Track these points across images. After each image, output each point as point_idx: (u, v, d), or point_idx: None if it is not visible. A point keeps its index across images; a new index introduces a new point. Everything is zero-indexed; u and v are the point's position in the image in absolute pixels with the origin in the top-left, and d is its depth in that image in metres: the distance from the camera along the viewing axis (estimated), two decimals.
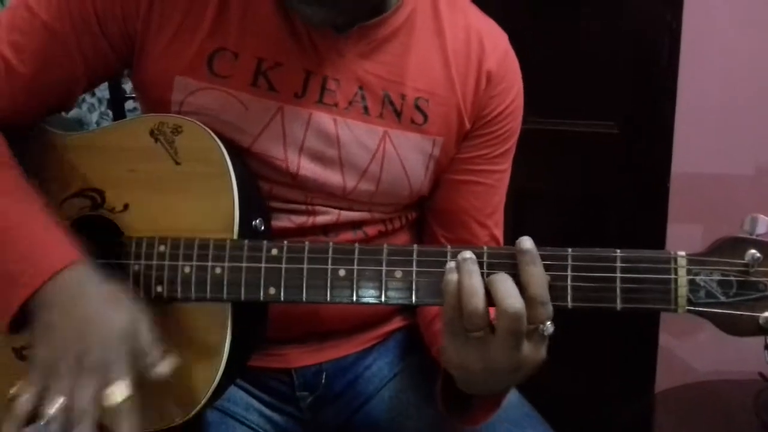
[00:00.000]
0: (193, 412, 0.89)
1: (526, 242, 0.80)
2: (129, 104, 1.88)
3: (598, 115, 2.00)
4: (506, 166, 1.11)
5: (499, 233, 1.13)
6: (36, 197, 0.91)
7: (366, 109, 1.00)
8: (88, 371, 0.79)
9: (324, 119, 0.99)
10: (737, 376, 1.89)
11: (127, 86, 1.83)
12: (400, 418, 1.09)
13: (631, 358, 2.09)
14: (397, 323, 1.16)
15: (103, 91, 2.08)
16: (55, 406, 0.78)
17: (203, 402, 0.89)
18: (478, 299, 0.78)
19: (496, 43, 1.06)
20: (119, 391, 0.79)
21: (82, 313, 0.83)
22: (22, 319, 0.85)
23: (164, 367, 0.84)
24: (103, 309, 0.83)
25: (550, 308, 0.79)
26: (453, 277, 0.80)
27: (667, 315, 1.98)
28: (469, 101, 1.04)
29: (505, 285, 0.79)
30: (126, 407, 0.79)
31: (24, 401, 0.80)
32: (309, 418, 1.11)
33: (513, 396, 1.06)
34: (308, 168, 0.99)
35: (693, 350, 2.03)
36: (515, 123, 1.09)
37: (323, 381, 1.10)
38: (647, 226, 1.98)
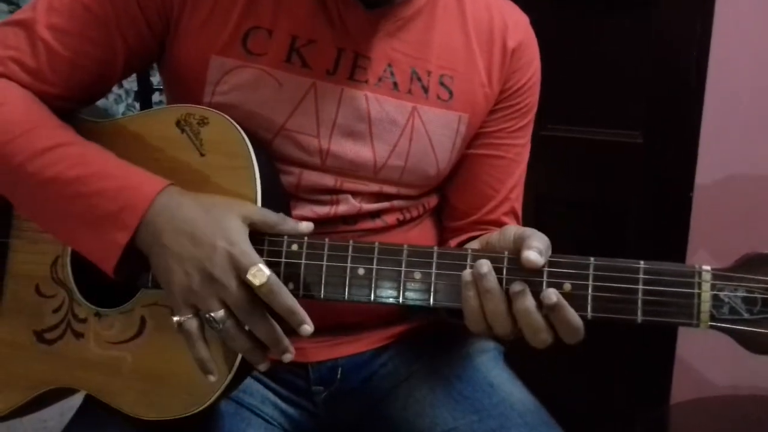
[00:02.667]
0: (209, 402, 0.89)
1: (552, 297, 0.81)
2: (155, 97, 1.89)
3: (622, 124, 1.98)
4: (526, 140, 1.15)
5: (518, 206, 1.16)
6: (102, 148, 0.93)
7: (395, 84, 1.03)
8: (220, 276, 0.83)
9: (356, 95, 1.01)
10: (755, 392, 1.87)
11: (154, 79, 1.84)
12: (413, 418, 1.09)
13: (647, 368, 2.07)
14: (414, 322, 1.16)
15: (130, 83, 2.10)
16: (216, 319, 0.83)
17: (219, 393, 0.89)
18: (503, 318, 0.83)
19: (517, 21, 1.11)
20: (259, 274, 0.82)
21: (189, 229, 0.85)
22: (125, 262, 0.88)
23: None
24: (203, 219, 0.86)
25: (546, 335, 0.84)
26: (471, 294, 0.84)
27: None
28: (495, 78, 1.08)
29: (531, 321, 0.83)
30: (275, 282, 0.83)
31: (189, 323, 0.85)
32: (323, 413, 1.11)
33: (529, 402, 1.06)
34: (340, 144, 1.01)
35: (710, 363, 2.01)
36: (534, 97, 1.14)
37: (338, 376, 1.10)
38: (668, 237, 1.96)
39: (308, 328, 0.85)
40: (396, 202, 1.08)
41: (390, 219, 1.08)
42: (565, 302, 0.81)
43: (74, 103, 1.00)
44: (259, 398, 1.09)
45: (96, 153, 0.92)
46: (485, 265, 0.82)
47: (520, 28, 1.10)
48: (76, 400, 1.03)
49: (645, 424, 1.79)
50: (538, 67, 1.13)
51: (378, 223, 1.07)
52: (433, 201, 1.14)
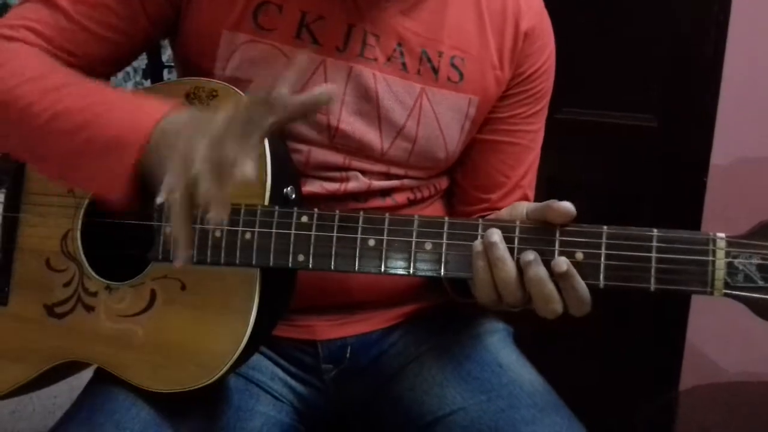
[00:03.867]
0: (218, 375, 0.89)
1: (563, 265, 0.81)
2: (165, 74, 1.89)
3: (637, 107, 1.97)
4: (539, 125, 1.14)
5: (531, 193, 1.15)
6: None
7: (404, 65, 1.02)
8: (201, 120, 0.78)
9: (364, 73, 1.00)
10: (765, 378, 1.86)
11: (164, 57, 1.84)
12: (423, 397, 1.08)
13: (657, 353, 2.06)
14: (424, 302, 1.16)
15: (139, 60, 2.10)
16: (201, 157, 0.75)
17: (228, 365, 0.89)
18: (513, 286, 0.82)
19: (530, 4, 1.09)
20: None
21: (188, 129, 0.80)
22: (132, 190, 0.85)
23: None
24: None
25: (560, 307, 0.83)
26: (482, 264, 0.83)
27: (696, 310, 2.00)
28: (503, 58, 1.06)
29: (542, 290, 0.82)
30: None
31: (173, 196, 0.77)
32: (332, 390, 1.11)
33: (539, 383, 1.06)
34: (348, 122, 1.01)
35: (721, 349, 2.00)
36: (548, 83, 1.12)
37: (348, 355, 1.10)
38: (682, 222, 1.96)
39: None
40: (406, 181, 1.07)
41: (400, 198, 1.08)
42: (574, 271, 0.80)
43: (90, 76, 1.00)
44: (268, 375, 1.09)
45: (102, 86, 0.92)
46: (495, 234, 0.82)
47: (533, 11, 1.08)
48: (85, 377, 1.03)
49: (653, 409, 1.79)
50: (553, 52, 1.12)
51: (388, 201, 1.07)
52: (444, 183, 1.14)
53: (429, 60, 1.03)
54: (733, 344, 1.95)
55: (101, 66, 1.00)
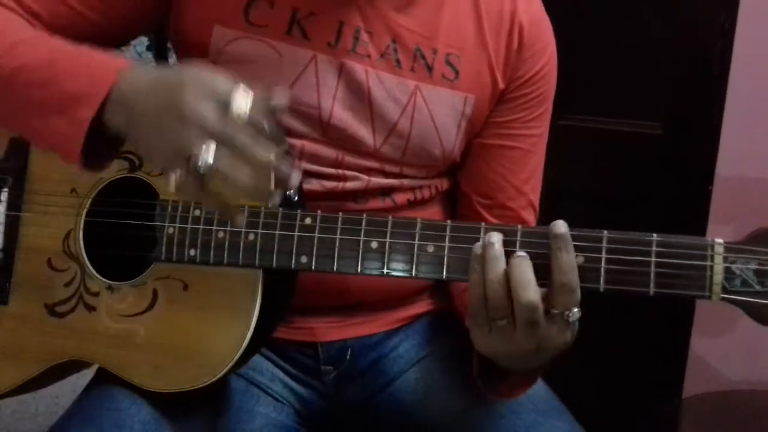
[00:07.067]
0: (219, 376, 0.90)
1: (561, 227, 0.80)
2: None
3: (641, 114, 1.97)
4: (542, 130, 1.12)
5: (535, 198, 1.13)
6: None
7: (398, 62, 1.01)
8: (194, 108, 0.73)
9: (356, 69, 1.00)
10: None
11: (171, 60, 1.85)
12: (424, 401, 1.09)
13: (660, 361, 2.06)
14: (425, 307, 1.16)
15: (143, 49, 2.11)
16: (207, 154, 0.71)
17: (229, 366, 0.90)
18: (499, 287, 0.79)
19: (529, 3, 1.07)
20: (242, 99, 0.73)
21: (155, 86, 0.79)
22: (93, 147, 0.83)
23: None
24: (176, 77, 0.79)
25: (577, 295, 0.79)
26: (477, 267, 0.81)
27: (700, 319, 1.99)
28: (501, 59, 1.05)
29: (522, 275, 0.79)
30: (259, 102, 0.74)
31: (186, 182, 0.73)
32: (332, 393, 1.11)
33: (542, 389, 1.06)
34: (340, 117, 1.01)
35: (724, 358, 2.00)
36: (549, 85, 1.10)
37: (348, 357, 1.10)
38: (686, 230, 1.95)
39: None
40: (406, 182, 1.07)
41: (400, 199, 1.07)
42: (569, 238, 0.79)
43: None
44: (268, 376, 1.09)
45: (65, 42, 0.90)
46: (495, 235, 0.81)
47: (531, 12, 1.07)
48: (87, 377, 1.03)
49: (656, 417, 1.79)
50: (553, 54, 1.10)
51: (388, 202, 1.06)
52: (445, 184, 1.13)
53: (423, 57, 1.02)
54: (736, 352, 1.95)
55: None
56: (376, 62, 1.01)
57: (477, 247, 0.82)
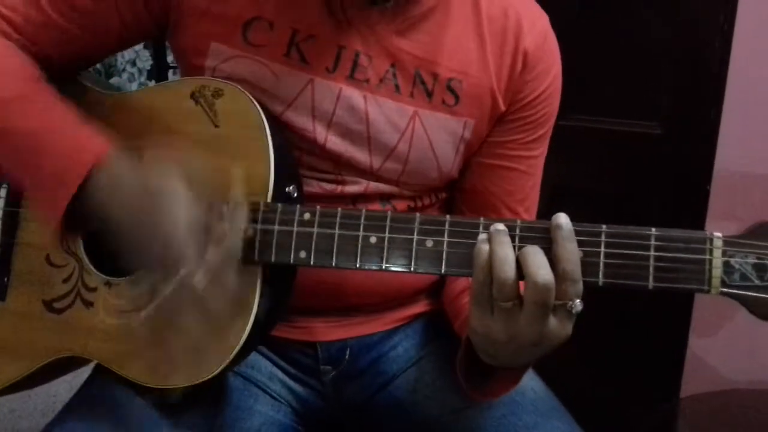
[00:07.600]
0: (217, 372, 0.89)
1: (562, 218, 0.80)
2: (170, 75, 1.90)
3: (641, 115, 1.97)
4: (540, 151, 1.09)
5: (529, 218, 1.11)
6: (62, 104, 0.93)
7: (397, 87, 1.00)
8: (182, 245, 0.83)
9: (354, 95, 0.99)
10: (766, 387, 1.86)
11: (170, 57, 1.85)
12: (423, 401, 1.08)
13: (659, 360, 2.06)
14: (423, 307, 1.16)
15: (144, 62, 2.11)
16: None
17: (227, 362, 0.89)
18: (509, 268, 0.78)
19: (534, 23, 1.04)
20: (220, 225, 0.85)
21: (138, 208, 0.86)
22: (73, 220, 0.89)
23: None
24: (152, 204, 0.86)
25: (580, 286, 0.79)
26: (485, 246, 0.80)
27: (699, 317, 1.99)
28: (503, 83, 1.02)
29: (536, 257, 0.78)
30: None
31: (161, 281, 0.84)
32: (331, 392, 1.11)
33: (540, 389, 1.06)
34: (336, 142, 1.00)
35: (723, 357, 2.00)
36: (552, 107, 1.07)
37: (347, 357, 1.10)
38: (685, 228, 1.95)
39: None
40: (405, 191, 1.06)
41: (400, 205, 1.06)
42: (571, 228, 0.80)
43: (61, 67, 1.00)
44: (266, 375, 1.09)
45: (53, 105, 0.92)
46: (501, 224, 0.81)
47: (536, 32, 1.03)
48: (85, 375, 1.03)
49: (654, 417, 1.79)
50: (558, 75, 1.07)
51: (387, 208, 1.06)
52: (443, 194, 1.12)
53: (423, 83, 1.00)
54: (735, 352, 1.95)
55: (74, 60, 1.01)
56: (375, 87, 0.99)
57: (482, 234, 0.81)
